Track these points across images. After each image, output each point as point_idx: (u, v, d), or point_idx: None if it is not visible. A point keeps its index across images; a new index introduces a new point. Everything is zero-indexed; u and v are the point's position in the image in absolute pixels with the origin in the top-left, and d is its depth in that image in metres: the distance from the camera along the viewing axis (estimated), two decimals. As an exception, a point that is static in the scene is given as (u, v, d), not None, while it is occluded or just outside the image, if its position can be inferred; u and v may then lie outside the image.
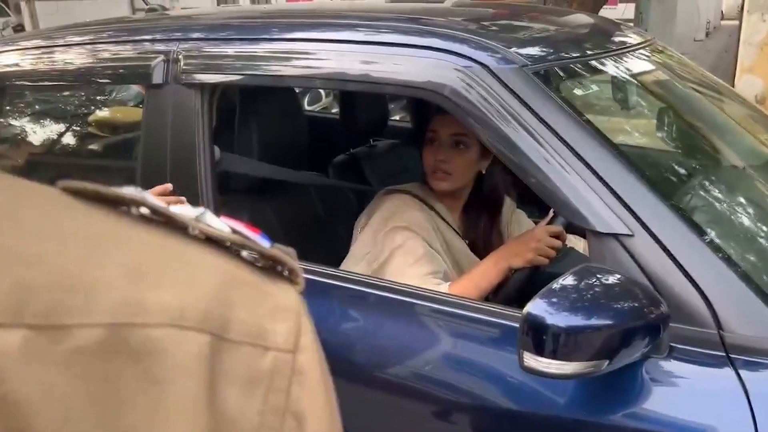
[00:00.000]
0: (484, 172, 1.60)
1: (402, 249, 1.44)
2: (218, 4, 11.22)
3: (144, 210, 0.30)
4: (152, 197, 0.31)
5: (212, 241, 0.31)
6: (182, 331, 0.27)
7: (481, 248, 1.61)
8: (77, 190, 0.30)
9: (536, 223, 1.77)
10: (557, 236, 1.38)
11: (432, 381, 1.20)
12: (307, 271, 1.32)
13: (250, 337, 0.29)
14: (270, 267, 0.32)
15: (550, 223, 1.42)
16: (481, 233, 1.64)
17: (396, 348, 1.25)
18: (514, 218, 1.77)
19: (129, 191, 0.31)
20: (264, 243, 0.32)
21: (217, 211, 1.48)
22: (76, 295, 0.25)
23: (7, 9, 15.04)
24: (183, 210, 0.32)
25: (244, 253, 0.32)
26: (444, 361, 1.21)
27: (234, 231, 0.32)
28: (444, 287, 1.41)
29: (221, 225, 0.32)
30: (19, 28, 13.00)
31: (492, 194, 1.65)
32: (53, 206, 0.29)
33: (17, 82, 1.91)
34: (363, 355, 1.28)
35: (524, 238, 1.40)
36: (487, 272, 1.40)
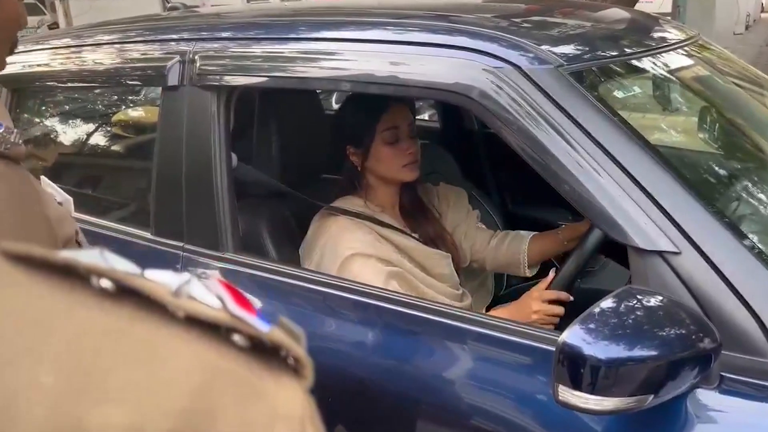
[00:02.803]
0: None
1: (360, 279, 1.37)
2: (248, 1, 11.23)
3: (105, 283, 0.23)
4: (121, 264, 0.24)
5: (196, 320, 0.24)
6: None
7: (429, 237, 1.62)
8: (20, 256, 0.23)
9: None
10: (557, 300, 1.30)
11: (464, 406, 1.12)
12: (334, 287, 1.27)
13: None
14: (270, 352, 0.25)
15: (552, 281, 1.33)
16: (423, 222, 1.65)
17: (424, 371, 1.18)
18: (441, 192, 1.77)
19: (88, 257, 0.24)
20: (262, 325, 0.25)
21: (234, 216, 1.42)
22: None
23: (42, 7, 15.31)
24: (162, 278, 0.25)
25: (236, 337, 0.24)
26: (474, 384, 1.13)
27: (225, 307, 0.25)
28: None
29: (209, 298, 0.25)
30: (53, 26, 13.20)
31: (418, 181, 1.64)
32: None
33: (44, 83, 1.89)
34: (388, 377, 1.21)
35: (522, 305, 1.33)
36: None
